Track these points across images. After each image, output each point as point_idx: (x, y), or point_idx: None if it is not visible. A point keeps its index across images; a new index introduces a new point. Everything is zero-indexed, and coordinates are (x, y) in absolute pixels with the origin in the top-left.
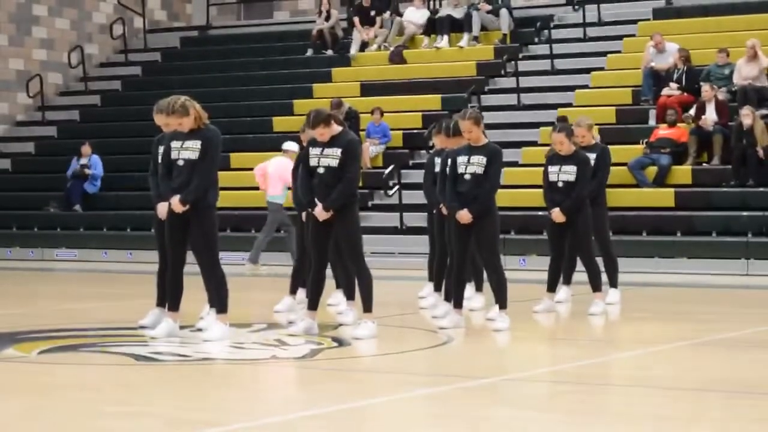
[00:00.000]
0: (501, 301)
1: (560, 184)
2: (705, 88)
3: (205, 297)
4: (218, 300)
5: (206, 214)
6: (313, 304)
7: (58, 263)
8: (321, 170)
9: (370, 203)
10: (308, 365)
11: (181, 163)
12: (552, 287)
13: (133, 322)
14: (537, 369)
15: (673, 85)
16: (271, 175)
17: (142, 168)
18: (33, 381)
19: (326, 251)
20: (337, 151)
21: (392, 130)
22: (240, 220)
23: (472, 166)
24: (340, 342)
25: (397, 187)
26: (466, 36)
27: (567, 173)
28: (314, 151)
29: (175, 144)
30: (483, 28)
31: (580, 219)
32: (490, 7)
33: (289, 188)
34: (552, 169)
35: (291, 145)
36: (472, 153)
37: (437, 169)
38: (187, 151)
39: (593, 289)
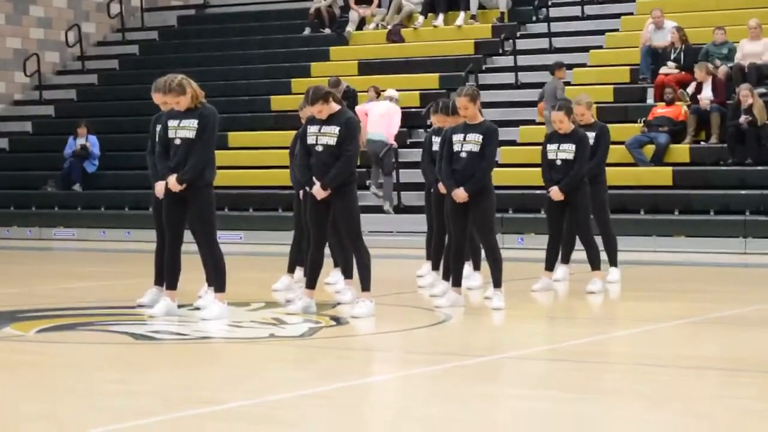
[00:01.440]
0: (496, 279)
1: (558, 163)
2: (696, 70)
3: (203, 276)
4: (216, 279)
5: (203, 193)
6: (311, 283)
7: (56, 242)
8: (319, 148)
9: (367, 182)
10: (306, 344)
11: (178, 142)
12: (550, 266)
13: (131, 301)
14: (535, 347)
15: (671, 63)
16: (383, 116)
17: (140, 147)
18: (31, 360)
19: (324, 230)
20: (335, 129)
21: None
22: (237, 199)
23: (468, 144)
24: (338, 321)
25: (395, 166)
26: (462, 14)
27: (565, 152)
28: (312, 129)
29: (172, 123)
30: (481, 7)
31: (579, 197)
32: None
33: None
34: (550, 147)
35: (393, 92)
36: (468, 131)
37: (435, 147)
38: (184, 130)
39: (592, 267)
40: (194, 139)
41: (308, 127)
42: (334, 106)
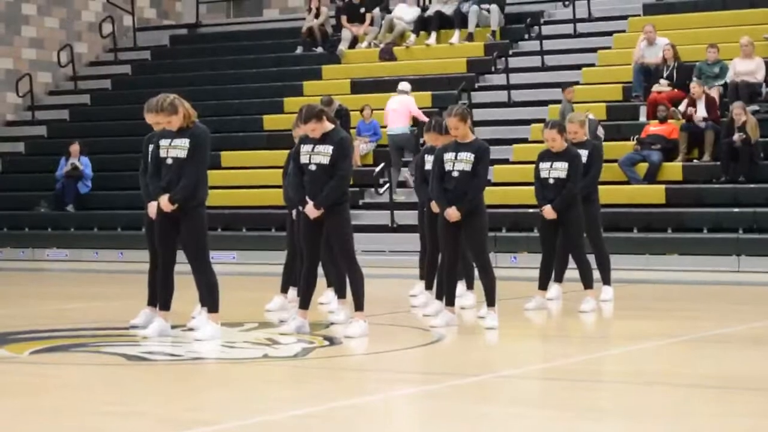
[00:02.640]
0: (490, 298)
1: (551, 181)
2: (693, 85)
3: (197, 296)
4: (209, 299)
5: (195, 213)
6: (304, 303)
7: (49, 263)
8: (312, 167)
9: (360, 201)
10: (300, 364)
11: (169, 161)
12: (543, 285)
13: (124, 321)
14: (529, 366)
15: (664, 81)
16: (396, 111)
17: (133, 167)
18: (25, 381)
19: (317, 249)
20: (329, 149)
21: (382, 127)
22: (230, 219)
23: (460, 163)
24: (331, 341)
25: (387, 185)
26: (457, 32)
27: (558, 170)
28: (305, 148)
29: (163, 142)
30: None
31: (572, 216)
32: None
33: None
34: (543, 165)
35: (405, 85)
36: (459, 150)
37: (428, 166)
38: (176, 149)
39: (585, 286)
40: (186, 159)
41: (301, 146)
42: (328, 125)
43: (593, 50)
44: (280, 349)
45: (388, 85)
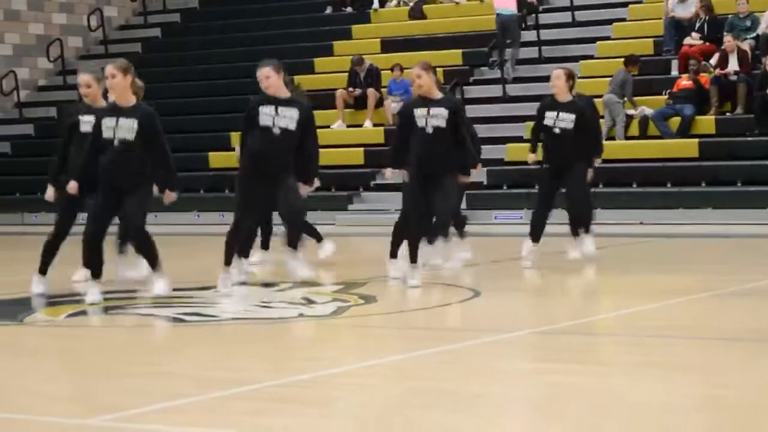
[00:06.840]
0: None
1: (557, 131)
2: (727, 38)
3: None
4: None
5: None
6: (228, 260)
7: (83, 227)
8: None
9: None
10: (336, 323)
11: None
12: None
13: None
14: (563, 322)
15: (695, 35)
16: None
17: (166, 130)
18: (61, 344)
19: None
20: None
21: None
22: None
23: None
24: (366, 299)
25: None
26: None
27: (564, 120)
28: (267, 110)
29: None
30: None
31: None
32: None
33: None
34: (549, 114)
35: None
36: (431, 105)
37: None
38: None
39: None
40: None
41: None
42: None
43: (624, 4)
44: (316, 309)
45: (419, 44)
